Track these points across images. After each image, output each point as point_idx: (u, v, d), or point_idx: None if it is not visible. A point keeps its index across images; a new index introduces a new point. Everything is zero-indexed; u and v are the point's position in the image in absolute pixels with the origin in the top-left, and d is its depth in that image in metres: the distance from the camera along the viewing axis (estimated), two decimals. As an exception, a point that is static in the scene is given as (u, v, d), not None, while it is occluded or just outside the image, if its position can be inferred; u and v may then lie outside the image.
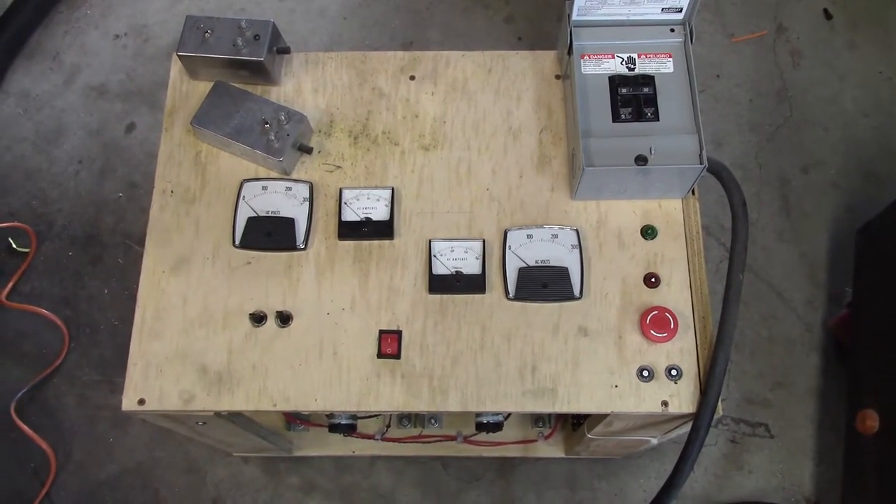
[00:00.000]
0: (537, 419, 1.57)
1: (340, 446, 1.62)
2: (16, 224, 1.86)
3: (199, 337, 1.05)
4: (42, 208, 1.89)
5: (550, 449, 1.61)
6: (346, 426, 1.36)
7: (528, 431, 1.57)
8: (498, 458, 1.65)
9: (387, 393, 1.03)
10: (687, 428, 1.03)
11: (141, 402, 1.02)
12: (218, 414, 1.08)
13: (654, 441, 1.28)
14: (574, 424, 1.51)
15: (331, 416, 1.36)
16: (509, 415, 1.39)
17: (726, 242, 1.83)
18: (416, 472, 1.67)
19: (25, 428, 1.67)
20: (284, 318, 1.05)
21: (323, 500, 1.65)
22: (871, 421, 1.45)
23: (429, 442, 1.52)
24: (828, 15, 2.07)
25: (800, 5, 2.09)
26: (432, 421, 1.55)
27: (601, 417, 1.16)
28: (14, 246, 1.84)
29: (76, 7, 2.12)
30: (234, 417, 1.21)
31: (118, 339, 1.77)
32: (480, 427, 1.31)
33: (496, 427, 1.31)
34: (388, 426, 1.53)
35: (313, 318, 1.06)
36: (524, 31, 2.08)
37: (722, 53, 2.04)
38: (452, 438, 1.50)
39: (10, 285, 1.80)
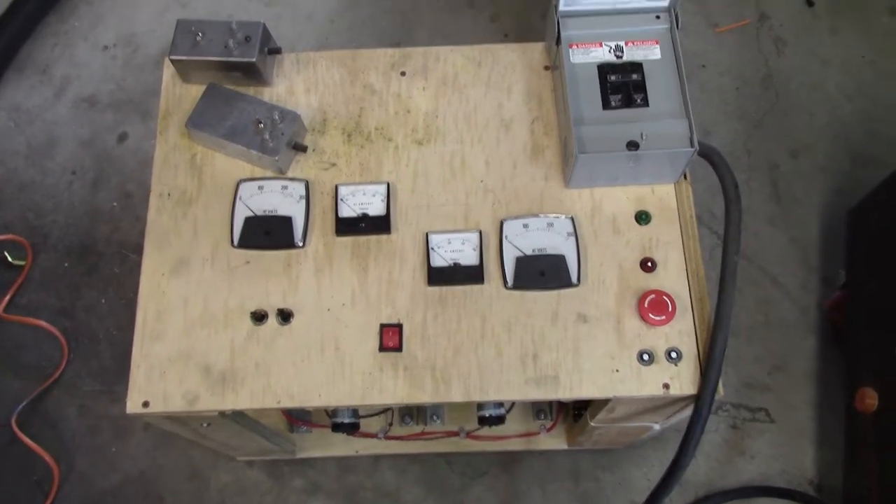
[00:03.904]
0: (539, 411, 1.58)
1: (343, 446, 1.62)
2: (11, 237, 1.86)
3: (201, 337, 1.05)
4: (37, 220, 1.89)
5: (553, 441, 1.62)
6: (349, 425, 1.36)
7: (531, 424, 1.58)
8: (501, 452, 1.65)
9: (390, 386, 1.03)
10: (688, 412, 1.04)
11: (145, 404, 1.02)
12: (223, 414, 1.09)
13: (657, 427, 1.29)
14: (575, 415, 1.52)
15: (333, 415, 1.36)
16: (511, 407, 1.39)
17: (717, 230, 1.84)
18: (419, 469, 1.67)
19: (27, 440, 1.67)
20: (285, 316, 1.05)
21: (327, 501, 1.65)
22: (870, 399, 1.46)
23: (431, 439, 1.53)
24: (809, 2, 2.09)
25: (782, -7, 2.11)
26: (434, 417, 1.55)
27: (603, 404, 1.17)
28: (10, 259, 1.84)
29: (65, 19, 2.12)
30: (239, 418, 1.21)
31: (117, 348, 1.77)
32: (483, 421, 1.31)
33: (498, 420, 1.31)
34: (391, 424, 1.53)
35: (314, 314, 1.06)
36: (510, 28, 2.09)
37: (706, 44, 2.05)
38: (455, 434, 1.51)
39: (7, 298, 1.80)
